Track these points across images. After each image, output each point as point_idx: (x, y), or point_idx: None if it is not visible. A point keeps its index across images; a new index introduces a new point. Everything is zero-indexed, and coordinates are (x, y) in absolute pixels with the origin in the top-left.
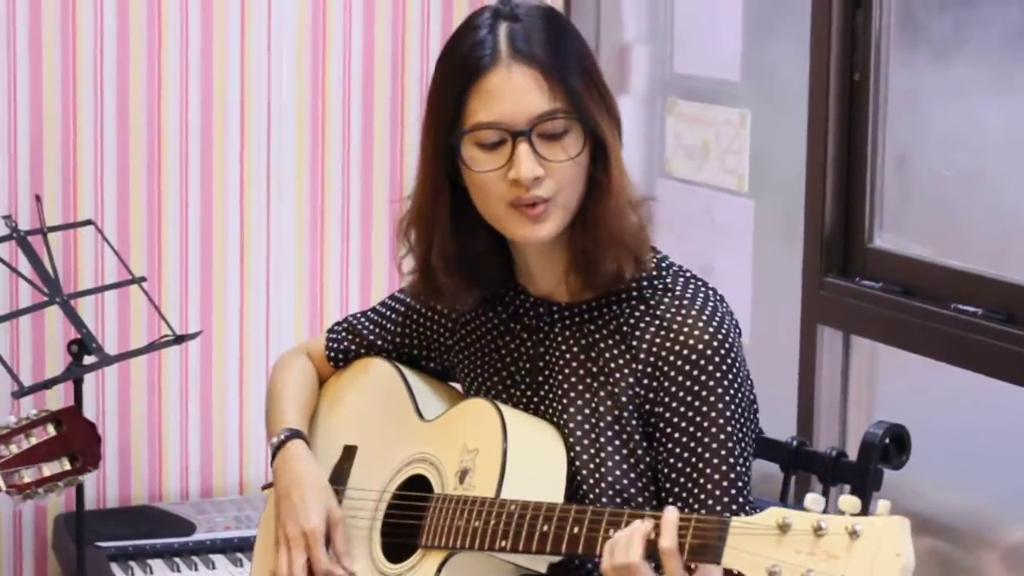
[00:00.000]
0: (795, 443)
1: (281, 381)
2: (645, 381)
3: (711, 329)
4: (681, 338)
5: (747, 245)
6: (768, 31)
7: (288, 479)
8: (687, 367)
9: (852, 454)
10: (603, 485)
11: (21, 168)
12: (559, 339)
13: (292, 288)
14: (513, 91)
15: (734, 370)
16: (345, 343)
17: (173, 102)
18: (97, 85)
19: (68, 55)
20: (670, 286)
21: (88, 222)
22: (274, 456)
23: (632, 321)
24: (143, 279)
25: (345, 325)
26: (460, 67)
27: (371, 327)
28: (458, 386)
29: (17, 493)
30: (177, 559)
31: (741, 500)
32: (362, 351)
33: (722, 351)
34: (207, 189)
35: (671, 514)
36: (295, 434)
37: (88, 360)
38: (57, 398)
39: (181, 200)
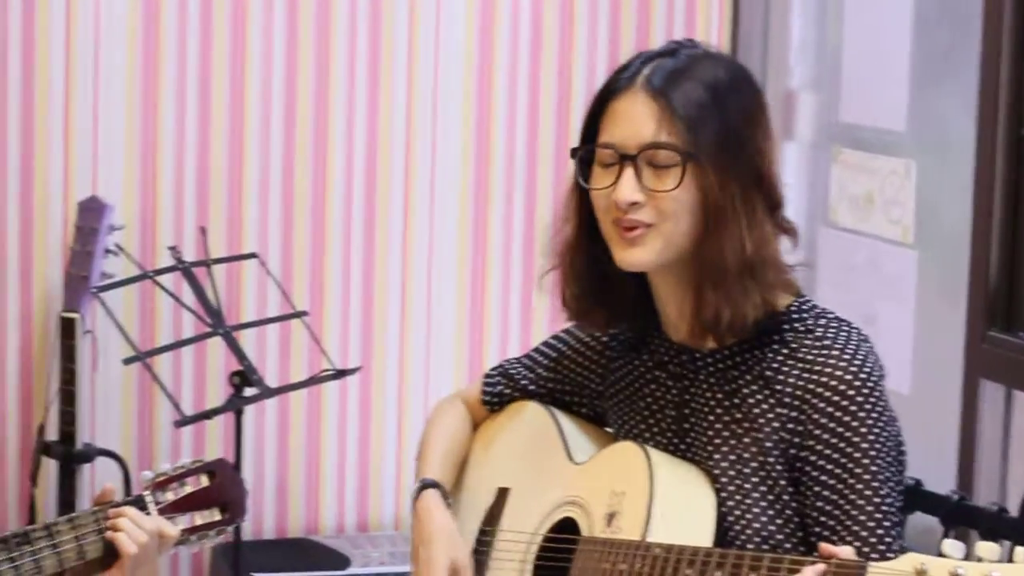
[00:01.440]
0: (956, 497)
1: (432, 429)
2: (790, 425)
3: (854, 368)
4: (824, 379)
5: (910, 297)
6: (935, 82)
7: (417, 536)
8: (831, 408)
9: (1013, 509)
10: (749, 532)
11: (187, 200)
12: (703, 386)
13: (452, 325)
14: (632, 117)
15: (879, 409)
16: (500, 387)
17: (339, 138)
18: (264, 119)
19: (237, 88)
20: (811, 328)
21: (252, 255)
22: (412, 507)
23: (775, 366)
24: (305, 313)
25: (500, 370)
26: (603, 89)
27: (525, 372)
28: (610, 430)
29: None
30: None
31: (889, 540)
32: (516, 395)
33: (865, 390)
34: (370, 225)
35: (817, 567)
36: (430, 484)
37: (249, 392)
38: (217, 428)
39: (344, 235)
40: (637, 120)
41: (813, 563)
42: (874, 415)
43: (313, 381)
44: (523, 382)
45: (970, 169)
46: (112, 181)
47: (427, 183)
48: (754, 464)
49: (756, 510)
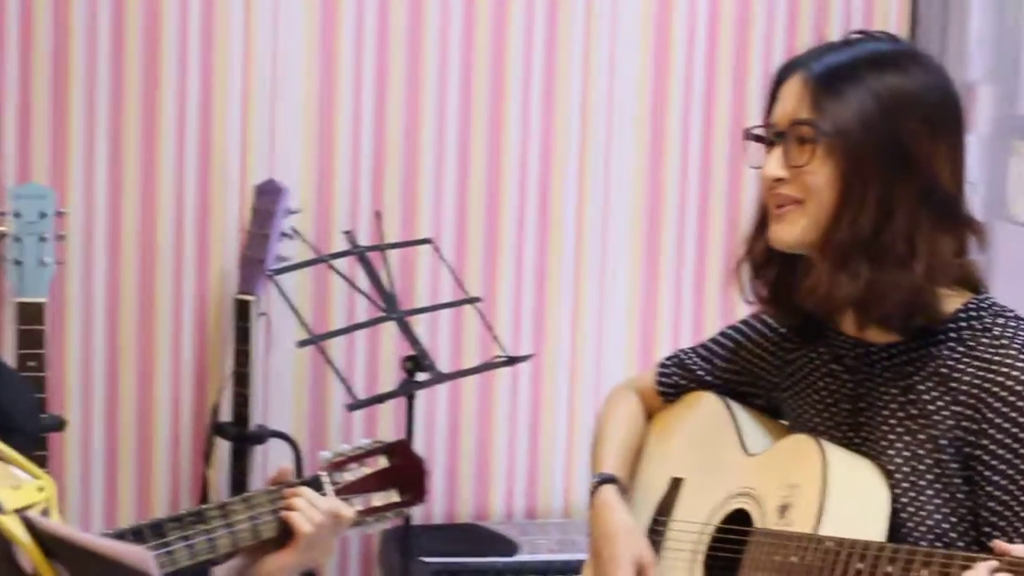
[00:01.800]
0: None
1: (607, 419)
2: (965, 423)
3: None
4: (1001, 378)
5: None
6: None
7: (598, 532)
8: (1007, 408)
9: None
10: (923, 528)
11: (363, 185)
12: (878, 380)
13: (624, 314)
14: (787, 96)
15: None
16: (675, 378)
17: (514, 124)
18: (441, 104)
19: (414, 73)
20: (989, 326)
21: (426, 240)
22: (590, 502)
23: (951, 363)
24: (478, 299)
25: (675, 360)
26: (780, 68)
27: (700, 362)
28: (785, 423)
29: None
30: None
31: None
32: (692, 385)
33: None
34: (544, 212)
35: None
36: (607, 479)
37: (421, 377)
38: (389, 413)
39: (518, 222)
40: (790, 98)
41: (986, 560)
42: None
43: (485, 367)
44: (699, 372)
45: None
46: (289, 165)
47: (601, 170)
48: (928, 460)
49: (930, 507)
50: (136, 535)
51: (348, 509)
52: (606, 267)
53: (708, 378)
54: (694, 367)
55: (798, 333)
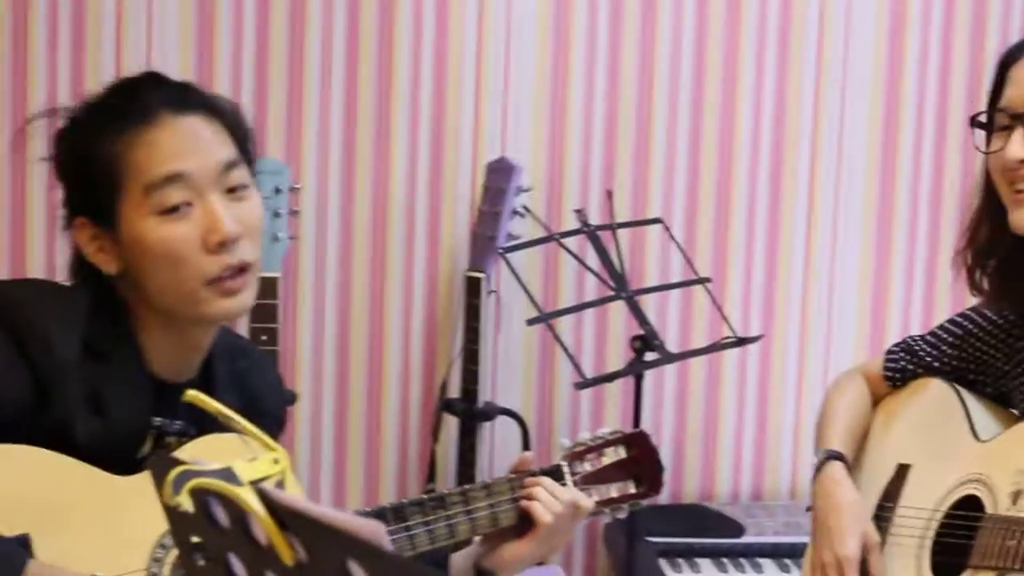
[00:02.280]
0: None
1: (833, 401)
2: None
3: None
4: None
5: None
6: None
7: (825, 504)
8: None
9: None
10: None
11: (594, 164)
12: None
13: (854, 297)
14: (1020, 78)
15: None
16: (902, 363)
17: (746, 106)
18: (673, 84)
19: (647, 52)
20: None
21: (657, 220)
22: (814, 477)
23: None
24: (708, 279)
25: (903, 346)
26: (1004, 57)
27: (929, 349)
28: (1015, 411)
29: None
30: (725, 560)
31: None
32: (919, 372)
33: None
34: (775, 194)
35: None
36: (835, 456)
37: (649, 356)
38: (616, 393)
39: (749, 203)
40: None
41: None
42: None
43: (713, 348)
44: (927, 359)
45: None
46: (521, 143)
47: (834, 152)
48: None
49: None
50: (379, 516)
51: (587, 500)
52: (836, 249)
53: (936, 364)
54: (922, 353)
55: None
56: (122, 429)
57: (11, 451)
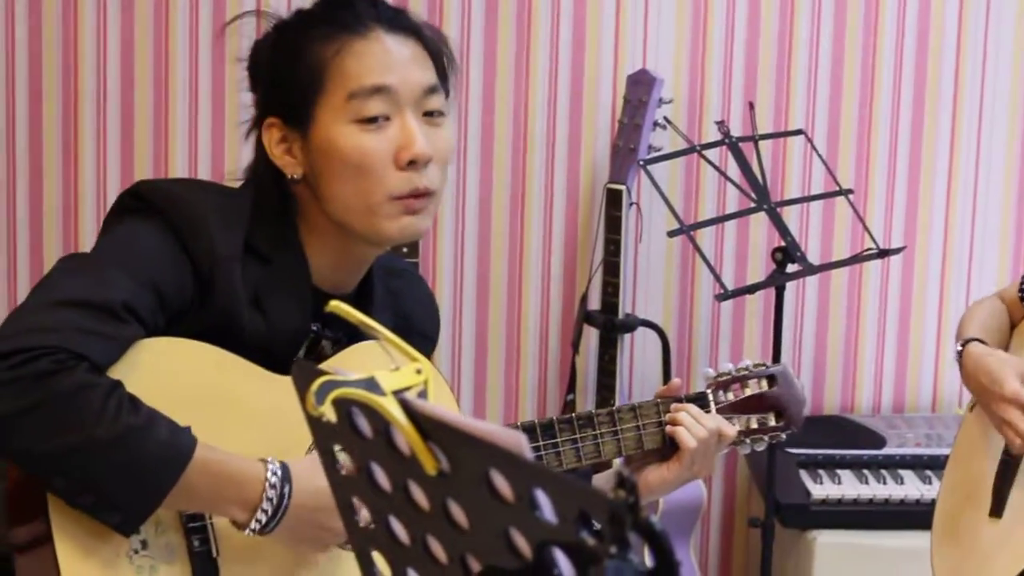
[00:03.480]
0: None
1: (972, 310)
2: None
3: None
4: None
5: None
6: None
7: (973, 372)
8: None
9: None
10: None
11: (736, 75)
12: None
13: (999, 210)
14: None
15: None
16: None
17: (889, 14)
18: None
19: None
20: None
21: (799, 131)
22: (960, 363)
23: None
24: (850, 191)
25: None
26: None
27: None
28: None
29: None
30: (866, 471)
31: None
32: None
33: None
34: (919, 105)
35: None
36: (974, 340)
37: (791, 268)
38: (757, 304)
39: (892, 114)
40: None
41: None
42: None
43: (855, 260)
44: None
45: None
46: (662, 55)
47: (979, 60)
48: None
49: None
50: (527, 432)
51: (731, 428)
52: (981, 160)
53: None
54: None
55: None
56: (280, 331)
57: (177, 344)
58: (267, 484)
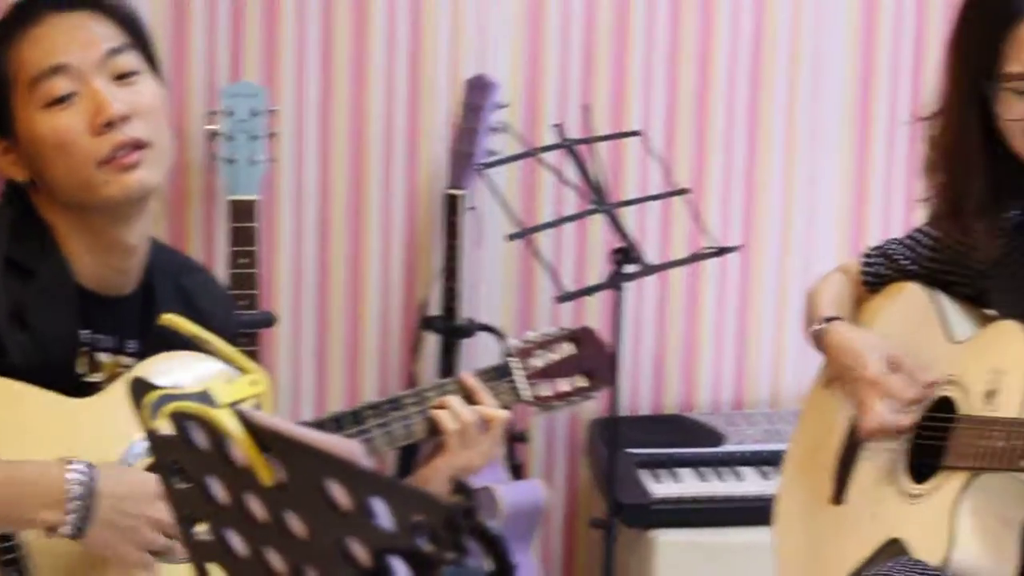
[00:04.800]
0: None
1: (818, 289)
2: None
3: None
4: None
5: None
6: None
7: (836, 352)
8: None
9: None
10: None
11: (572, 78)
12: None
13: (835, 204)
14: None
15: None
16: (878, 267)
17: (724, 12)
18: None
19: None
20: None
21: (635, 132)
22: (819, 345)
23: None
24: (687, 191)
25: (879, 251)
26: (1001, 11)
27: (905, 251)
28: (990, 312)
29: (538, 404)
30: (705, 469)
31: None
32: (895, 275)
33: None
34: (753, 103)
35: None
36: (832, 319)
37: (629, 269)
38: (597, 305)
39: (727, 113)
40: None
41: None
42: None
43: (693, 259)
44: (903, 262)
45: None
46: (498, 59)
47: (812, 55)
48: None
49: None
50: (336, 422)
51: (500, 413)
52: (816, 156)
53: (912, 267)
54: (897, 257)
55: (1010, 223)
56: (48, 341)
57: None
58: (67, 476)
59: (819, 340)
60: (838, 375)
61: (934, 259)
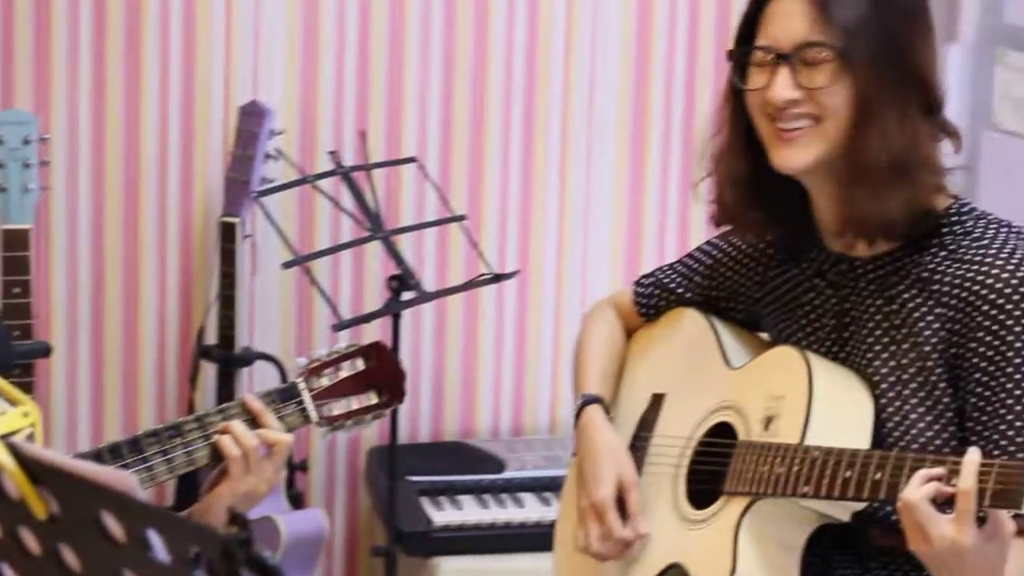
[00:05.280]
0: None
1: (588, 339)
2: (948, 324)
3: (1011, 267)
4: (982, 278)
5: None
6: None
7: (583, 450)
8: (991, 308)
9: None
10: (908, 438)
11: (347, 105)
12: (863, 294)
13: (610, 230)
14: (787, 16)
15: None
16: (654, 298)
17: (499, 39)
18: (424, 20)
19: None
20: (970, 229)
21: (411, 159)
22: (575, 424)
23: (932, 266)
24: (463, 217)
25: (652, 279)
26: None
27: (678, 279)
28: (766, 336)
29: (327, 425)
30: (486, 496)
31: None
32: (671, 303)
33: None
34: (528, 129)
35: (972, 455)
36: (592, 400)
37: (407, 296)
38: (374, 333)
39: (503, 139)
40: (792, 19)
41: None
42: None
43: (470, 285)
44: (678, 290)
45: None
46: (273, 86)
47: (586, 86)
48: (912, 370)
49: (914, 416)
50: (114, 452)
51: (285, 436)
52: (591, 182)
53: (688, 295)
54: (672, 284)
55: (778, 250)
56: None
57: None
58: None
59: (575, 419)
60: (578, 474)
61: (709, 285)
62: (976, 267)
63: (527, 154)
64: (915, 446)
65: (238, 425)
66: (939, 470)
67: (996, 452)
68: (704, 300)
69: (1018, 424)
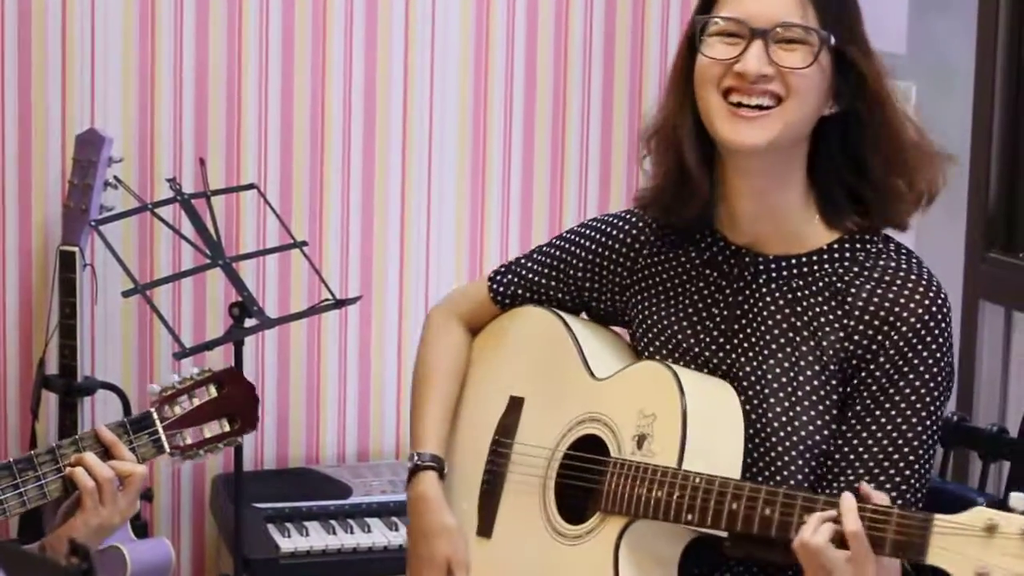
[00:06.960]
0: (955, 418)
1: (428, 363)
2: (856, 337)
3: (931, 295)
4: (902, 300)
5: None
6: (935, 4)
7: (416, 528)
8: (908, 331)
9: (1013, 431)
10: (794, 439)
11: (186, 132)
12: (763, 291)
13: (451, 254)
14: None
15: (949, 342)
16: (512, 287)
17: (336, 64)
18: (262, 48)
19: (234, 18)
20: (883, 250)
21: (251, 186)
22: (408, 484)
23: (847, 278)
24: (304, 243)
25: (509, 269)
26: None
27: (538, 268)
28: (625, 334)
29: (179, 454)
30: (333, 521)
31: (925, 476)
32: (530, 294)
33: (944, 322)
34: (369, 153)
35: (848, 501)
36: (427, 466)
37: (249, 323)
38: (217, 360)
39: (343, 164)
40: None
41: (885, 507)
42: (944, 348)
43: (313, 311)
44: (537, 279)
45: (969, 92)
46: (110, 114)
47: (425, 110)
48: (808, 372)
49: (804, 418)
50: None
51: (138, 467)
52: (432, 205)
53: (551, 283)
54: (530, 275)
55: (658, 236)
56: None
57: None
58: None
59: (408, 480)
60: (410, 545)
61: (572, 274)
62: (894, 287)
63: (367, 178)
64: (801, 448)
65: (91, 457)
66: (832, 512)
67: (857, 465)
68: (566, 288)
69: (904, 452)
